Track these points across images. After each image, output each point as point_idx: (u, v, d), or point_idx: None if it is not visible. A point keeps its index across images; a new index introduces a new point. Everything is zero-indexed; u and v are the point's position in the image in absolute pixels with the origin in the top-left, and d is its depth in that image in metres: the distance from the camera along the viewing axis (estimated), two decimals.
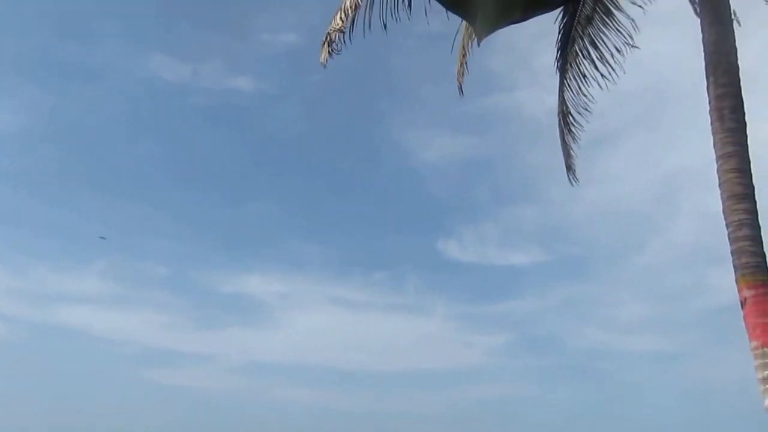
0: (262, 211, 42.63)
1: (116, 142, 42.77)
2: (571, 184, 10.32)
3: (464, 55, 8.86)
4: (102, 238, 28.31)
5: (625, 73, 9.67)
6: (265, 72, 41.16)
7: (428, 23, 8.47)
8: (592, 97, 10.10)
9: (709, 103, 6.24)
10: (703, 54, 6.21)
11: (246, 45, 41.20)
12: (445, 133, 41.02)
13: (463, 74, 9.07)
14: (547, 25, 10.24)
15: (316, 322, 38.21)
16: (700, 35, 6.56)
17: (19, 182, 39.58)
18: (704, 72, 6.32)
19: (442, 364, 36.49)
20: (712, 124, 6.24)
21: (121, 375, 33.96)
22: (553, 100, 10.43)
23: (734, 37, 6.18)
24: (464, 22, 9.10)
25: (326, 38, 7.59)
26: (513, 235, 40.82)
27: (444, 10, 8.48)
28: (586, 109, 10.23)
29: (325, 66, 7.55)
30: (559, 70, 9.69)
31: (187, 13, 41.55)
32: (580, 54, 9.83)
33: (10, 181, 39.32)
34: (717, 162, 6.21)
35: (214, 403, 34.33)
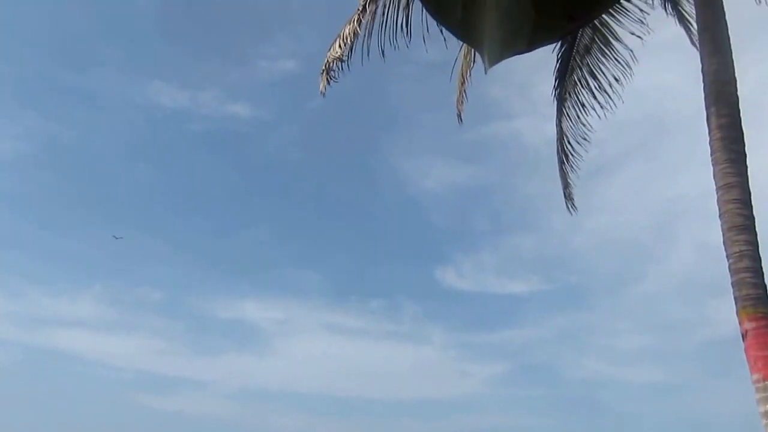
0: (259, 238, 42.59)
1: (114, 168, 42.94)
2: (570, 213, 10.23)
3: (463, 83, 8.86)
4: (117, 237, 28.12)
5: (623, 102, 9.68)
6: (262, 99, 41.53)
7: (426, 51, 8.51)
8: (591, 126, 10.09)
9: (710, 133, 6.18)
10: (702, 84, 6.18)
11: (244, 72, 41.70)
12: (444, 161, 41.22)
13: (462, 102, 9.06)
14: (546, 54, 10.27)
15: (313, 349, 37.81)
16: (699, 65, 6.56)
17: (17, 207, 39.68)
18: (704, 102, 6.30)
19: (438, 393, 36.01)
20: (712, 154, 6.17)
21: (115, 400, 33.47)
22: (552, 129, 10.42)
23: (734, 67, 6.15)
24: (462, 51, 9.13)
25: (325, 66, 7.58)
26: (511, 263, 40.67)
27: (442, 39, 8.56)
28: (585, 139, 10.20)
29: (323, 95, 7.52)
30: (557, 99, 9.69)
31: (186, 41, 42.11)
32: (578, 83, 9.84)
33: (8, 206, 39.34)
34: (717, 192, 6.13)
35: (209, 429, 33.77)
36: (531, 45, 1.12)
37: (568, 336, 38.15)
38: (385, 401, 35.50)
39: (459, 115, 9.40)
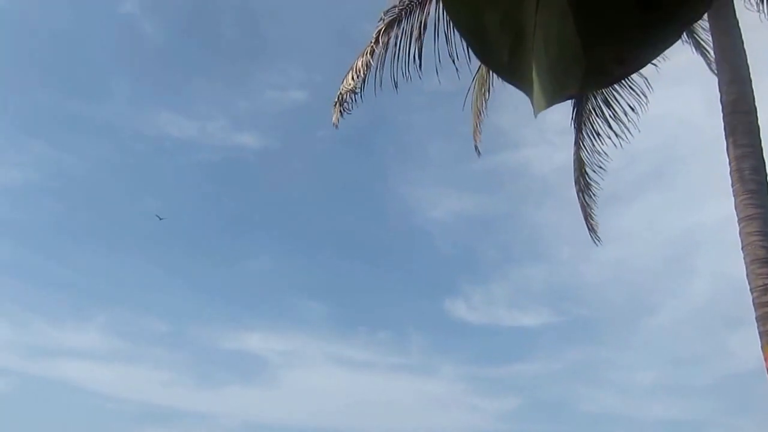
0: (265, 268, 42.16)
1: (120, 197, 43.00)
2: (595, 244, 9.99)
3: (479, 116, 8.77)
4: (160, 218, 28.06)
5: (639, 131, 9.56)
6: (270, 129, 41.67)
7: (440, 83, 8.47)
8: (606, 155, 9.97)
9: (729, 164, 6.03)
10: (721, 114, 6.06)
11: (252, 102, 41.94)
12: (452, 191, 40.88)
13: (479, 134, 8.97)
14: None
15: (318, 382, 37.07)
16: (715, 91, 6.44)
17: (23, 236, 39.63)
18: (723, 131, 6.16)
19: (447, 428, 35.09)
20: (732, 185, 6.00)
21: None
22: (561, 158, 10.29)
23: (754, 96, 6.03)
24: (476, 82, 9.08)
25: (338, 99, 7.55)
26: (522, 295, 39.90)
27: (454, 69, 8.53)
28: (601, 167, 10.07)
29: (336, 126, 7.47)
30: (575, 129, 9.61)
31: (193, 71, 42.61)
32: (593, 112, 9.73)
33: (14, 235, 39.42)
34: (739, 225, 5.94)
35: None
36: (582, 89, 1.01)
37: (580, 370, 37.25)
38: None
39: (476, 147, 9.27)
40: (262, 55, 43.02)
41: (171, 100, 43.21)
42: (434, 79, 8.25)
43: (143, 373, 36.43)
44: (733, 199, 6.08)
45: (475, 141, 8.86)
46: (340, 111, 7.52)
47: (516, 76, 0.98)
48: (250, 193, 44.36)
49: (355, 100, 7.56)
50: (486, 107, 8.76)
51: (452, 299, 41.80)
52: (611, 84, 0.91)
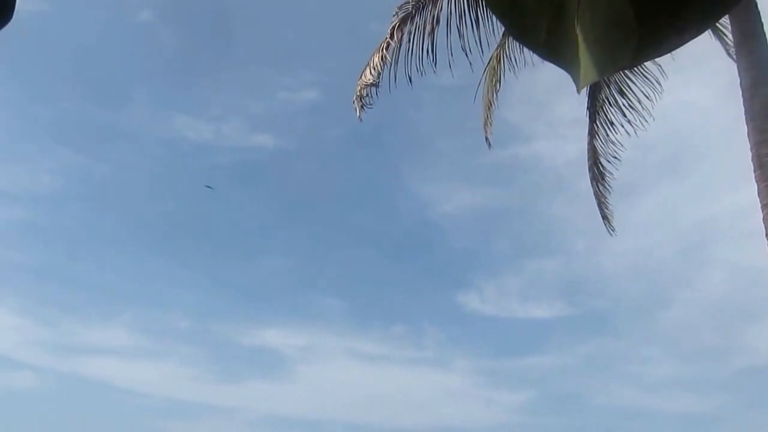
0: (282, 265, 42.66)
1: (143, 200, 44.16)
2: (609, 233, 9.90)
3: (490, 107, 8.72)
4: (209, 187, 28.57)
5: (654, 119, 9.43)
6: (284, 129, 42.27)
7: (453, 77, 8.41)
8: (621, 144, 9.85)
9: (751, 149, 5.92)
10: (741, 99, 5.94)
11: (266, 104, 42.51)
12: (464, 186, 40.82)
13: (490, 126, 8.91)
14: (566, 75, 10.13)
15: (335, 376, 37.37)
16: (731, 79, 6.33)
17: (51, 238, 41.19)
18: (743, 117, 6.05)
19: (462, 421, 35.02)
20: (755, 171, 5.91)
21: (144, 427, 33.71)
22: (573, 151, 10.20)
23: None
24: (487, 74, 9.00)
25: (358, 94, 7.55)
26: (535, 288, 39.67)
27: (468, 63, 8.47)
28: (615, 157, 9.95)
29: (360, 120, 7.49)
30: (589, 119, 9.50)
31: (208, 75, 43.23)
32: (607, 101, 9.61)
33: (45, 239, 40.96)
34: (762, 211, 5.84)
35: None
36: (635, 60, 0.99)
37: (594, 363, 36.93)
38: (408, 428, 34.86)
39: (487, 139, 9.21)
40: (274, 58, 43.48)
41: (187, 104, 44.05)
42: (444, 75, 8.23)
43: (167, 369, 37.15)
44: (755, 185, 5.97)
45: (486, 133, 8.80)
46: (361, 105, 7.52)
47: (555, 53, 0.97)
48: (266, 192, 44.90)
49: (376, 95, 7.57)
50: (497, 99, 8.70)
51: (465, 293, 41.76)
52: (666, 53, 0.88)
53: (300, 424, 35.33)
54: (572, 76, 1.03)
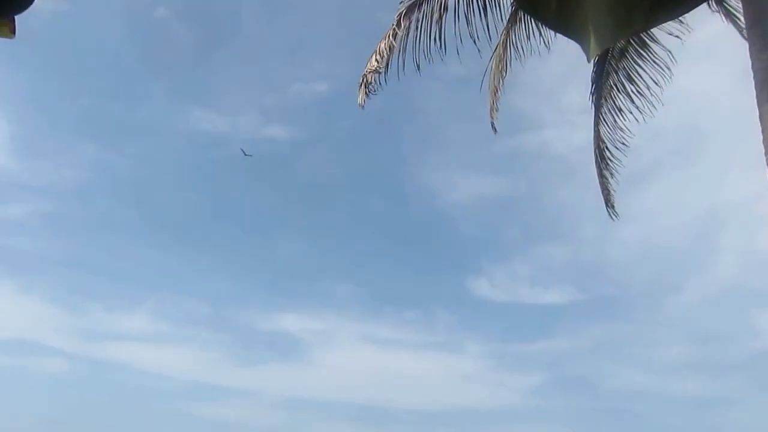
0: (297, 252, 43.18)
1: (162, 192, 44.86)
2: (612, 219, 9.84)
3: (496, 93, 8.63)
4: (247, 154, 28.99)
5: (663, 105, 9.32)
6: (297, 120, 42.57)
7: (460, 62, 8.33)
8: (629, 131, 9.74)
9: (763, 132, 5.82)
10: (753, 81, 5.83)
11: (279, 95, 42.76)
12: (473, 174, 40.87)
13: (495, 112, 8.82)
14: (575, 62, 9.97)
15: (350, 359, 37.81)
16: (742, 66, 6.22)
17: (76, 231, 42.09)
18: (753, 103, 5.94)
19: (474, 403, 35.27)
20: (766, 154, 5.81)
21: (167, 408, 34.55)
22: (582, 138, 10.09)
23: None
24: (494, 61, 8.90)
25: (363, 80, 7.50)
26: (545, 274, 39.71)
27: (476, 50, 8.38)
28: (624, 143, 9.85)
29: (363, 107, 7.44)
30: (594, 105, 9.39)
31: (223, 69, 43.47)
32: (614, 88, 9.49)
33: (71, 231, 41.93)
34: None
35: None
36: (648, 23, 0.95)
37: (605, 346, 36.94)
38: (421, 411, 35.13)
39: (493, 125, 9.10)
40: (286, 51, 43.67)
41: (203, 97, 44.56)
42: (453, 66, 8.14)
43: (190, 353, 37.97)
44: (766, 171, 5.87)
45: (492, 119, 8.70)
46: (366, 92, 7.48)
47: (565, 24, 0.95)
48: (281, 182, 45.41)
49: (380, 82, 7.51)
50: (503, 85, 8.61)
51: (476, 279, 41.91)
52: (678, 15, 0.85)
53: (316, 406, 35.86)
54: (582, 46, 1.00)
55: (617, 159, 9.92)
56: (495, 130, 8.62)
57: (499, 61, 8.39)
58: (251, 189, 43.50)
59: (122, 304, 38.78)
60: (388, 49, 7.50)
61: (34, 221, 39.22)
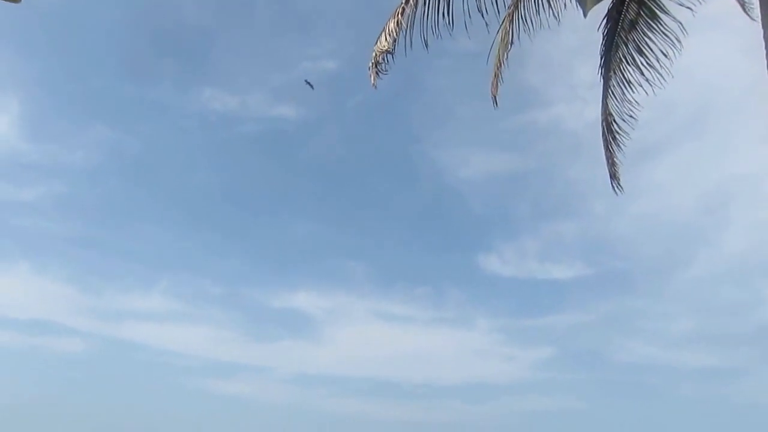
0: (308, 231, 43.41)
1: (174, 172, 44.97)
2: (615, 193, 9.78)
3: (499, 66, 8.53)
4: (309, 83, 29.10)
5: (673, 77, 9.19)
6: (306, 99, 42.22)
7: (470, 41, 8.24)
8: (638, 104, 9.63)
9: None
10: (764, 52, 5.77)
11: (288, 75, 42.41)
12: (482, 151, 40.57)
13: (497, 86, 8.72)
14: (586, 37, 9.83)
15: (361, 336, 38.31)
16: (753, 38, 6.13)
17: (90, 211, 42.47)
18: (765, 75, 5.89)
19: (485, 377, 35.72)
20: None
21: (182, 385, 35.31)
22: (593, 114, 9.95)
23: None
24: (500, 34, 8.77)
25: (373, 60, 7.47)
26: (554, 249, 39.68)
27: (484, 24, 8.29)
28: (632, 116, 9.74)
29: (375, 87, 7.44)
30: (602, 78, 9.28)
31: (232, 48, 43.08)
32: (624, 60, 9.36)
33: (84, 212, 42.28)
34: None
35: (267, 413, 34.96)
36: None
37: (614, 320, 37.03)
38: (432, 385, 35.67)
39: (494, 99, 8.92)
40: (295, 29, 43.16)
41: (213, 77, 44.30)
42: (462, 42, 8.05)
43: (203, 331, 38.64)
44: None
45: (493, 93, 8.57)
46: (377, 72, 7.46)
47: None
48: (291, 161, 45.39)
49: (389, 61, 7.48)
50: (507, 58, 8.49)
51: (486, 255, 41.96)
52: None
53: (328, 382, 36.51)
54: (581, 2, 1.02)
55: (625, 132, 9.83)
56: (496, 104, 8.52)
57: (505, 34, 8.30)
58: (262, 168, 43.58)
59: (136, 283, 39.31)
60: (397, 27, 7.44)
61: (47, 202, 39.58)
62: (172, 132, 43.95)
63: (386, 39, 7.44)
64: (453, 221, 43.00)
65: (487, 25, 8.40)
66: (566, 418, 31.56)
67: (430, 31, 8.02)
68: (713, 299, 33.00)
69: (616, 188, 9.62)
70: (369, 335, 37.35)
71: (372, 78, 7.52)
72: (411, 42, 7.99)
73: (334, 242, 43.09)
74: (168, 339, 36.97)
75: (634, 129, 9.83)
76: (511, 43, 8.42)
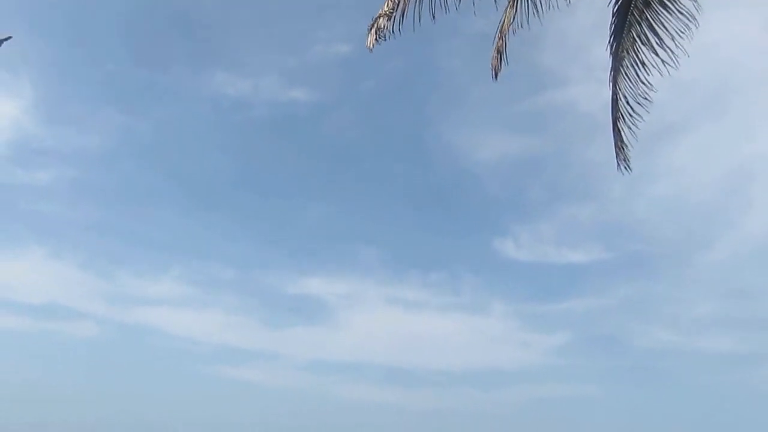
0: (321, 215, 43.61)
1: (186, 157, 45.51)
2: (622, 173, 9.60)
3: (501, 40, 8.37)
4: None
5: (689, 56, 8.96)
6: (319, 82, 42.29)
7: (474, 13, 8.13)
8: (652, 85, 9.42)
9: None
10: None
11: (301, 57, 42.50)
12: (498, 133, 40.16)
13: (500, 61, 8.57)
14: (601, 15, 9.65)
15: (376, 322, 38.35)
16: None
17: (105, 197, 43.25)
18: None
19: (500, 364, 35.47)
20: None
21: (195, 371, 35.67)
22: (609, 94, 9.78)
23: None
24: (507, 9, 8.65)
25: (373, 23, 7.48)
26: (571, 233, 39.10)
27: (493, 1, 8.19)
28: (646, 98, 9.53)
29: (371, 50, 7.43)
30: (612, 57, 9.10)
31: (244, 31, 43.31)
32: (637, 40, 9.13)
33: (97, 196, 43.09)
34: None
35: (280, 399, 35.19)
36: None
37: (632, 305, 36.24)
38: (447, 372, 35.55)
39: (495, 73, 8.72)
40: (307, 12, 43.19)
41: (225, 61, 44.53)
42: (474, 22, 7.92)
43: (216, 317, 39.14)
44: None
45: (493, 67, 8.39)
46: (376, 37, 7.44)
47: None
48: (305, 145, 45.53)
49: (392, 30, 7.46)
50: (512, 31, 8.35)
51: (501, 239, 41.65)
52: None
53: (342, 368, 36.69)
54: None
55: (638, 114, 9.62)
56: (495, 77, 8.35)
57: (511, 7, 8.20)
58: (275, 152, 43.74)
59: (150, 269, 40.02)
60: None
61: (61, 187, 40.43)
62: (184, 116, 44.49)
63: (388, 5, 7.41)
64: (468, 205, 42.71)
65: (495, 1, 8.32)
66: (583, 406, 31.11)
67: (437, 5, 7.97)
68: (734, 283, 32.05)
69: (623, 169, 9.43)
70: (383, 321, 37.40)
71: (369, 40, 7.50)
72: (420, 16, 7.95)
73: (348, 226, 43.25)
74: (181, 324, 37.62)
75: (649, 111, 9.60)
76: (515, 16, 8.28)
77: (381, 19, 7.39)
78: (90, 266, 40.01)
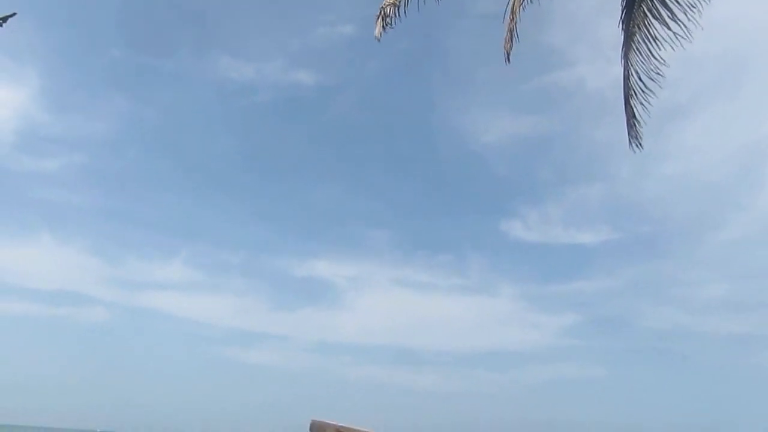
0: (328, 197, 43.99)
1: (192, 141, 45.92)
2: (633, 151, 9.53)
3: (512, 20, 8.30)
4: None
5: (702, 30, 8.81)
6: (324, 64, 42.08)
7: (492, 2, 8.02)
8: (664, 60, 9.29)
9: None
10: None
11: (305, 40, 42.36)
12: (505, 114, 39.93)
13: (510, 42, 8.50)
14: None
15: (383, 304, 38.97)
16: None
17: (112, 182, 43.95)
18: None
19: (508, 345, 35.95)
20: None
21: (205, 353, 36.55)
22: (619, 72, 9.64)
23: None
24: None
25: (380, 12, 7.45)
26: (579, 213, 39.06)
27: None
28: (659, 74, 9.41)
29: (379, 40, 7.41)
30: (623, 32, 8.99)
31: (248, 15, 43.11)
32: (649, 14, 9.00)
33: (105, 182, 43.64)
34: None
35: (289, 380, 35.98)
36: None
37: (641, 286, 36.40)
38: (455, 353, 36.17)
39: (507, 56, 8.68)
40: None
41: (229, 45, 44.53)
42: (477, 1, 7.82)
43: (225, 300, 39.94)
44: None
45: (506, 49, 8.31)
46: (383, 25, 7.43)
47: None
48: (310, 127, 45.62)
49: (398, 15, 7.43)
50: (523, 11, 8.25)
51: (509, 221, 41.76)
52: None
53: (350, 350, 37.37)
54: None
55: (650, 90, 9.53)
56: (508, 61, 8.29)
57: None
58: (281, 135, 43.83)
59: (158, 253, 40.73)
60: None
61: (69, 174, 40.93)
62: (190, 101, 44.68)
63: None
64: (476, 186, 42.67)
65: None
66: (591, 386, 31.47)
67: None
68: (746, 263, 31.90)
69: (634, 147, 9.37)
70: (391, 303, 37.85)
71: (377, 30, 7.50)
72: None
73: (355, 209, 43.57)
74: (190, 308, 38.44)
75: (662, 87, 9.49)
76: None
77: (388, 7, 7.36)
78: (99, 252, 40.98)
